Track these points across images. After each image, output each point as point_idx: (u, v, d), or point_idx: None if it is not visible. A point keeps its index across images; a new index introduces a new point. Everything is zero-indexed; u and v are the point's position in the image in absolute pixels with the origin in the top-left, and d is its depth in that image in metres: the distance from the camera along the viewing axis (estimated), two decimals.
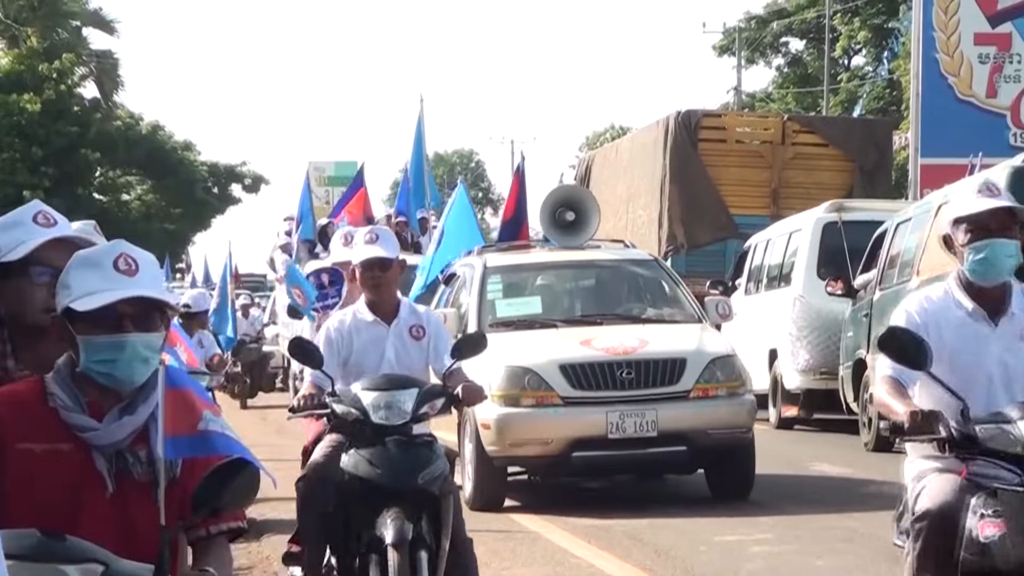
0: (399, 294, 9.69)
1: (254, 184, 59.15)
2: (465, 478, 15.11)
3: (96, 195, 51.67)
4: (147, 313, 4.35)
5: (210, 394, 11.09)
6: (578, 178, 32.21)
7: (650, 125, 32.17)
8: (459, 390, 8.75)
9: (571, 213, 16.51)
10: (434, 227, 28.61)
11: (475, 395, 8.88)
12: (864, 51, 60.73)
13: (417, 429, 8.52)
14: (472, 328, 15.38)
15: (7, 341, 4.99)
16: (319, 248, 26.18)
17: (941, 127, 31.44)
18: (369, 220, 27.21)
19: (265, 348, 32.66)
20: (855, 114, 57.10)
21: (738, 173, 29.63)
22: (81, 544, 3.97)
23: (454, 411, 11.83)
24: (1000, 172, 16.30)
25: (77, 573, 3.91)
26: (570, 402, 14.56)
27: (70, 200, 43.72)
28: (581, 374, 14.54)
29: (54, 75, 50.54)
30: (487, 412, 14.47)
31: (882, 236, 19.93)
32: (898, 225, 19.59)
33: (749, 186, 29.73)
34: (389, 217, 28.56)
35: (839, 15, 57.16)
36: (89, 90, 53.58)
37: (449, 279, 17.31)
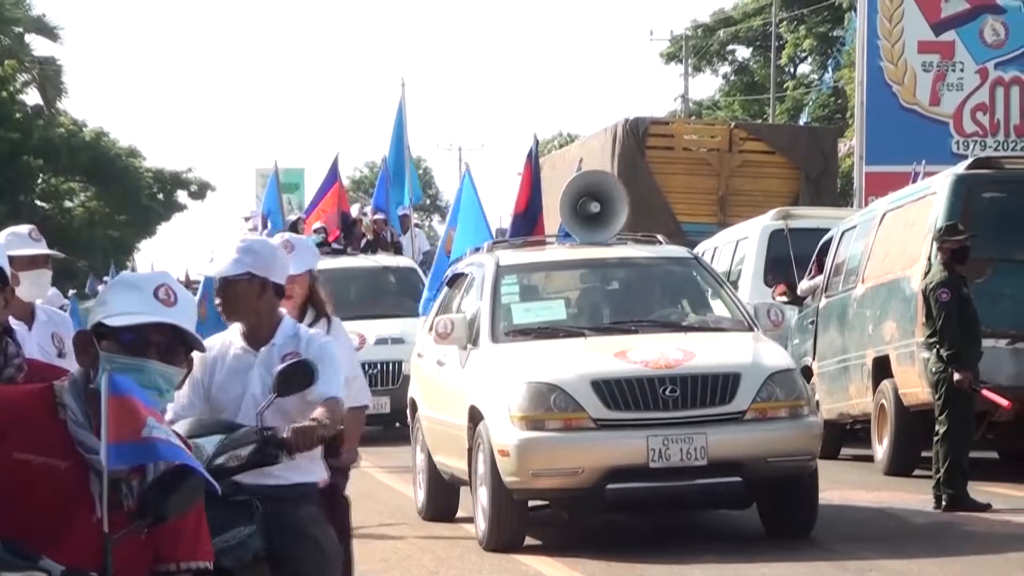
0: (284, 314, 7.65)
1: (200, 191, 60.49)
2: (477, 513, 13.22)
3: (38, 202, 52.79)
4: (174, 346, 4.45)
5: None
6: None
7: (598, 132, 32.36)
8: (287, 432, 6.50)
9: (596, 204, 14.56)
10: (416, 225, 27.75)
11: (305, 439, 6.46)
12: (810, 59, 62.20)
13: (296, 478, 6.90)
14: (486, 338, 13.43)
15: None
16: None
17: (885, 135, 32.22)
18: (344, 216, 26.76)
19: None
20: (801, 122, 58.27)
21: (685, 180, 30.10)
22: (53, 567, 4.05)
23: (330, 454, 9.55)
24: (943, 180, 16.87)
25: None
26: (604, 425, 12.62)
27: (11, 207, 45.10)
28: (617, 392, 12.56)
29: None
30: (505, 436, 12.59)
31: (828, 243, 20.43)
32: (843, 232, 20.16)
33: (696, 193, 30.13)
34: (365, 214, 27.07)
35: (785, 23, 58.90)
36: (31, 96, 54.66)
37: (454, 280, 15.31)
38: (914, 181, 21.74)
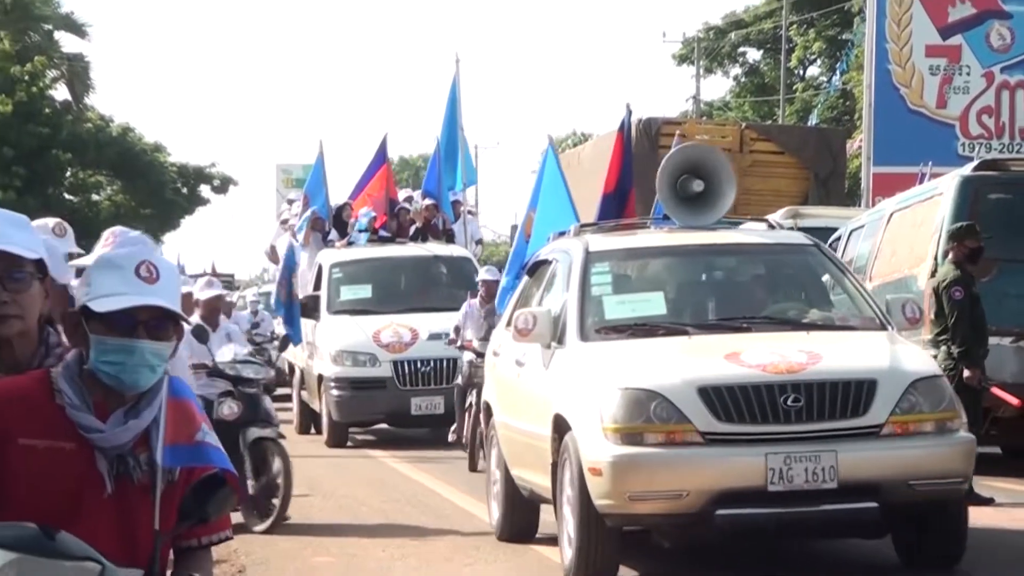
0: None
1: (222, 185, 61.45)
2: (563, 539, 11.49)
3: (67, 195, 53.79)
4: (161, 322, 4.45)
5: None
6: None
7: (612, 131, 29.65)
8: None
9: (699, 182, 12.72)
10: (468, 211, 26.04)
11: None
12: (819, 62, 62.86)
13: None
14: (573, 335, 11.70)
15: None
16: (333, 234, 24.41)
17: (893, 136, 32.78)
18: (392, 202, 25.48)
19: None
20: (810, 123, 58.31)
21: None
22: (76, 541, 4.08)
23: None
24: (950, 181, 17.03)
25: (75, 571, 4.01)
26: (713, 439, 10.77)
27: (41, 200, 46.14)
28: (729, 401, 10.73)
29: (26, 77, 52.11)
30: (597, 452, 10.81)
31: (836, 242, 20.32)
32: (851, 232, 20.59)
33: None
34: (411, 199, 25.95)
35: (795, 27, 59.74)
36: (60, 92, 55.53)
37: (535, 269, 13.56)
38: (921, 182, 21.94)
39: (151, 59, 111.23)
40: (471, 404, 17.81)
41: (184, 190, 60.06)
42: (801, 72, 63.73)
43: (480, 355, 17.57)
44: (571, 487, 11.16)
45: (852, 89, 51.93)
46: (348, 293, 22.24)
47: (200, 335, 14.41)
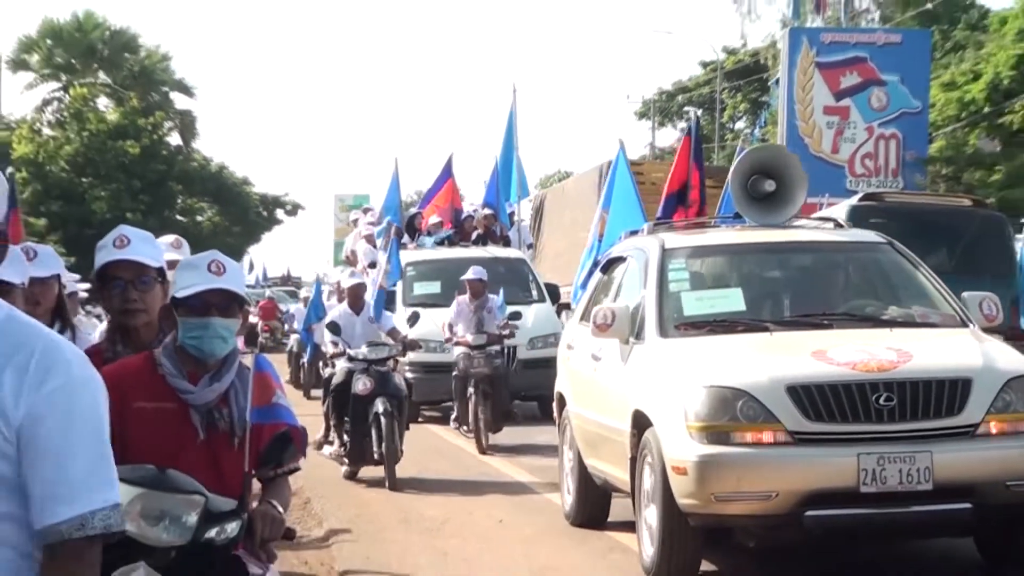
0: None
1: (293, 209, 64.88)
2: (643, 535, 8.97)
3: (178, 217, 56.35)
4: (228, 304, 4.53)
5: None
6: (534, 210, 31.34)
7: (590, 170, 31.87)
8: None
9: (770, 182, 10.16)
10: (521, 220, 24.30)
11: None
12: (744, 118, 64.05)
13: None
14: (652, 331, 9.11)
15: (116, 332, 5.14)
16: (405, 237, 22.37)
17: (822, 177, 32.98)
18: (457, 211, 23.46)
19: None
20: None
21: (653, 208, 28.41)
22: (184, 477, 4.12)
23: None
24: (841, 209, 15.98)
25: (187, 505, 4.03)
26: (803, 439, 8.15)
27: (159, 221, 48.38)
28: (819, 400, 8.14)
29: (149, 127, 55.40)
30: (682, 451, 8.30)
31: None
32: None
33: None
34: (476, 210, 23.95)
35: (726, 91, 62.43)
36: (174, 139, 59.60)
37: (609, 266, 10.86)
38: (820, 210, 20.85)
39: (240, 111, 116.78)
40: (471, 394, 15.81)
41: (264, 213, 64.09)
42: (731, 126, 65.07)
43: (474, 348, 16.00)
44: (653, 484, 8.69)
45: (768, 139, 50.41)
46: (420, 288, 20.24)
47: (334, 330, 14.21)
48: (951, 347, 8.66)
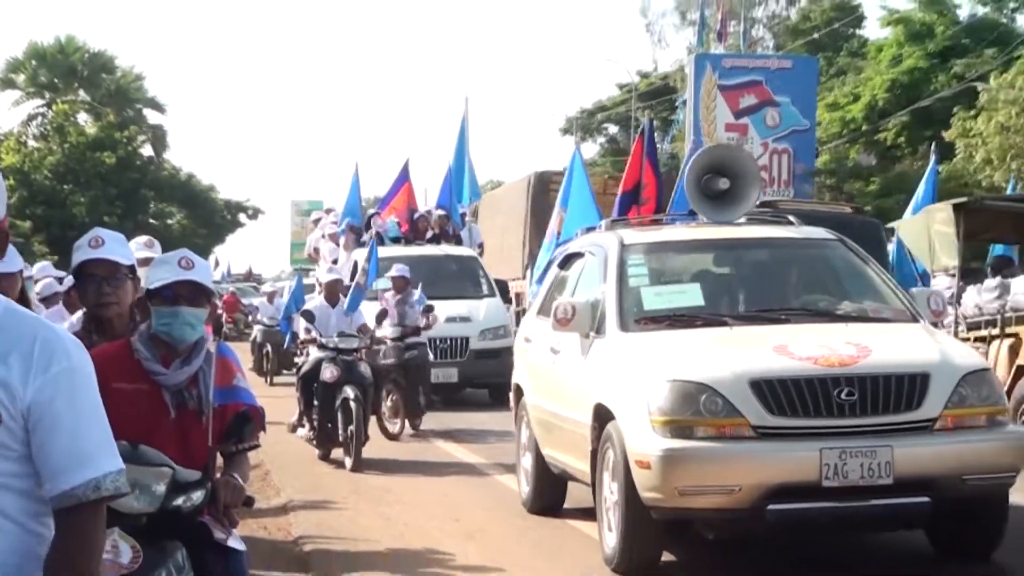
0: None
1: (254, 214, 63.42)
2: (603, 527, 7.93)
3: (151, 220, 55.23)
4: (196, 295, 4.46)
5: None
6: (471, 214, 28.87)
7: (519, 180, 32.45)
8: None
9: (724, 180, 9.12)
10: (472, 221, 23.26)
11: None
12: (656, 133, 59.97)
13: None
14: (613, 325, 8.07)
15: (91, 323, 5.10)
16: (365, 235, 21.10)
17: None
18: (413, 212, 22.01)
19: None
20: None
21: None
22: (153, 452, 4.04)
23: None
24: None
25: (156, 476, 3.95)
26: (766, 433, 7.16)
27: (134, 224, 47.50)
28: (782, 395, 7.16)
29: (124, 140, 54.34)
30: (645, 445, 7.29)
31: None
32: None
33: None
34: (430, 211, 22.44)
35: (640, 110, 59.93)
36: (147, 150, 58.26)
37: (567, 262, 9.75)
38: None
39: (207, 124, 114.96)
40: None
41: (228, 217, 62.62)
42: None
43: (395, 340, 14.60)
44: (615, 477, 7.70)
45: (677, 152, 51.05)
46: (380, 284, 19.15)
47: (308, 318, 13.39)
48: (908, 342, 7.73)
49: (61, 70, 56.72)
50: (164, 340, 4.37)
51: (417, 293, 15.77)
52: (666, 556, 7.73)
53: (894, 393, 7.17)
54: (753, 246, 8.89)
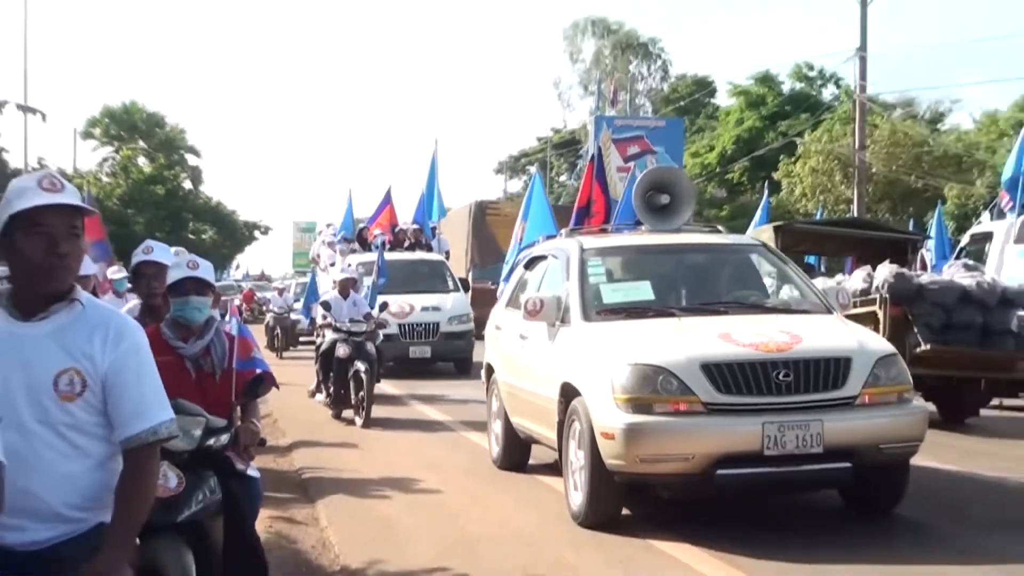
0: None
1: (265, 230, 62.42)
2: (569, 486, 6.65)
3: (190, 236, 52.86)
4: (201, 287, 4.27)
5: None
6: (439, 228, 26.96)
7: (463, 206, 32.29)
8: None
9: (665, 196, 7.85)
10: (440, 234, 21.95)
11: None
12: (565, 174, 61.98)
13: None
14: (577, 316, 6.76)
15: (145, 310, 4.93)
16: (355, 245, 20.00)
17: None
18: (394, 227, 20.58)
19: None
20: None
21: (506, 232, 29.02)
22: (191, 405, 3.80)
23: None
24: None
25: (194, 423, 3.73)
26: (715, 409, 5.98)
27: (177, 238, 45.52)
28: (729, 376, 6.01)
29: (171, 177, 52.89)
30: (609, 419, 6.07)
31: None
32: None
33: (510, 238, 28.12)
34: (407, 225, 20.91)
35: (554, 157, 60.43)
36: (187, 185, 55.99)
37: (530, 263, 8.41)
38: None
39: (230, 163, 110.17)
40: (360, 370, 11.55)
41: (247, 233, 61.49)
42: (558, 179, 61.70)
43: (350, 332, 11.77)
44: (581, 446, 6.46)
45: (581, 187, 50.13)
46: (368, 281, 17.67)
47: (326, 307, 12.20)
48: (829, 330, 6.55)
49: (126, 126, 55.30)
50: (181, 323, 4.24)
51: (360, 295, 13.38)
52: (625, 512, 6.44)
53: (822, 374, 6.00)
54: (692, 250, 7.69)
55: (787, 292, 7.21)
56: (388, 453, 9.51)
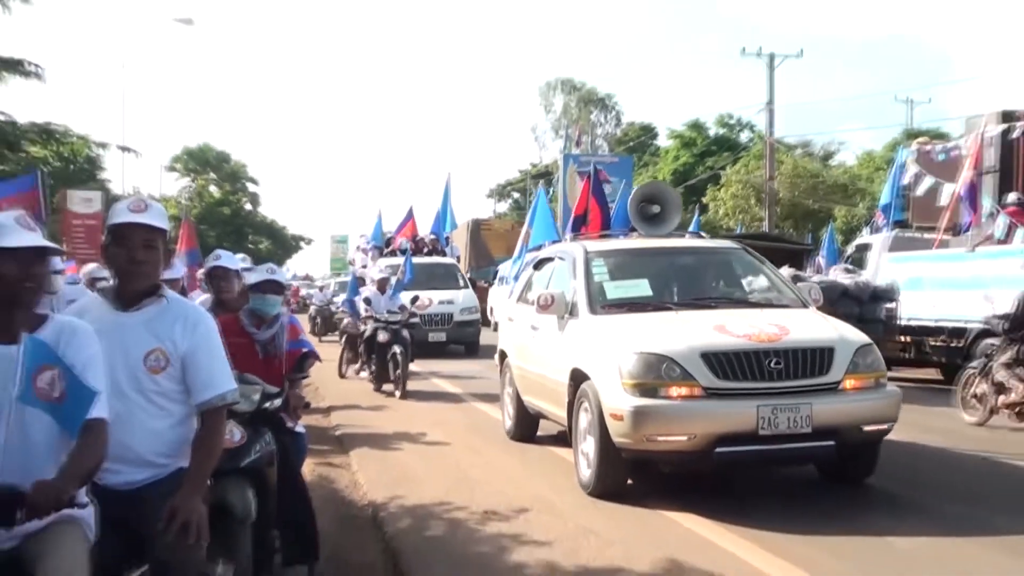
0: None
1: (308, 241, 61.39)
2: (579, 457, 5.68)
3: (250, 246, 51.56)
4: (276, 288, 4.18)
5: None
6: (451, 238, 26.17)
7: (462, 223, 30.80)
8: None
9: (656, 206, 6.87)
10: (452, 242, 20.97)
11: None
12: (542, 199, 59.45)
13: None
14: (584, 310, 5.76)
15: (216, 304, 4.63)
16: (386, 250, 18.82)
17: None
18: (415, 236, 19.40)
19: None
20: None
21: (495, 243, 29.05)
22: (253, 377, 3.65)
23: None
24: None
25: (253, 390, 3.59)
26: (714, 394, 5.04)
27: (241, 248, 44.61)
28: (726, 363, 5.07)
29: (235, 201, 52.22)
30: (618, 401, 5.12)
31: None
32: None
33: (501, 247, 27.89)
34: (426, 236, 19.88)
35: (532, 185, 57.51)
36: (248, 207, 54.89)
37: (538, 264, 7.43)
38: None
39: (281, 187, 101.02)
40: (397, 352, 10.67)
41: (294, 243, 60.43)
42: (535, 204, 59.29)
43: (388, 322, 10.79)
44: (590, 424, 5.52)
45: (554, 209, 48.67)
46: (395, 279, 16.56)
47: (367, 302, 11.33)
48: (812, 323, 5.64)
49: (200, 161, 54.43)
50: (257, 314, 4.17)
51: (393, 291, 12.35)
52: (629, 483, 5.50)
53: (809, 362, 5.11)
54: (682, 252, 6.76)
55: (763, 289, 6.29)
56: (407, 415, 8.93)
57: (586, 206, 9.08)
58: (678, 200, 7.06)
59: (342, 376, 12.32)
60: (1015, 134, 9.72)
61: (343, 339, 12.83)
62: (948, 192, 10.56)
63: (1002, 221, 9.29)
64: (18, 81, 6.98)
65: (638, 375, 5.02)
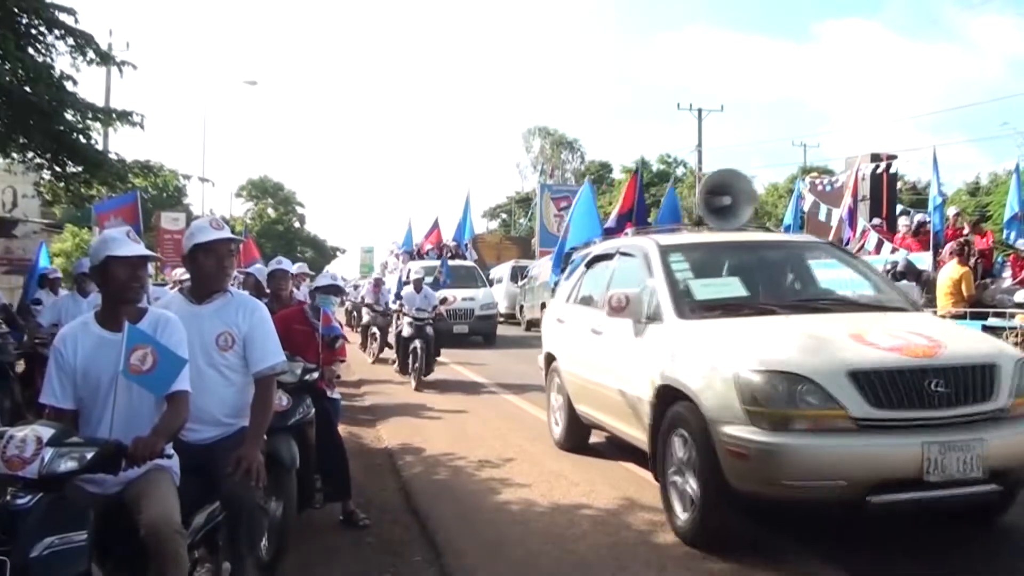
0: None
1: (343, 252, 57.60)
2: (674, 500, 3.36)
3: (298, 255, 47.58)
4: (336, 291, 3.97)
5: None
6: (470, 244, 22.94)
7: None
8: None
9: (727, 198, 4.69)
10: (470, 248, 18.67)
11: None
12: (524, 219, 56.25)
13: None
14: (670, 313, 3.41)
15: (272, 299, 4.32)
16: (415, 256, 16.29)
17: (550, 239, 28.76)
18: (440, 243, 16.73)
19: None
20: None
21: (489, 251, 26.93)
22: (298, 358, 3.47)
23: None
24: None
25: (296, 365, 3.39)
26: (865, 426, 2.57)
27: (292, 257, 45.89)
28: (880, 386, 2.73)
29: (287, 220, 47.93)
30: (740, 434, 2.68)
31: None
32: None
33: (492, 255, 26.07)
34: (449, 242, 17.21)
35: (519, 208, 52.93)
36: (296, 224, 50.59)
37: (592, 262, 5.37)
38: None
39: (321, 205, 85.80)
40: (413, 348, 8.64)
41: (332, 253, 56.10)
42: (520, 223, 55.59)
43: (415, 318, 8.68)
44: (691, 457, 3.36)
45: (532, 226, 46.98)
46: (429, 278, 14.38)
47: (399, 297, 9.82)
48: (959, 333, 3.58)
49: (260, 190, 52.49)
50: (319, 309, 3.92)
51: (429, 289, 10.02)
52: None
53: (972, 384, 3.08)
54: (770, 247, 4.60)
55: (870, 289, 4.21)
56: (435, 397, 7.70)
57: (632, 203, 6.96)
58: (752, 190, 4.93)
59: (374, 359, 11.25)
60: (879, 170, 9.87)
61: (361, 331, 12.08)
62: (835, 215, 9.85)
63: (873, 237, 9.47)
64: (125, 128, 6.82)
65: (766, 400, 2.99)
